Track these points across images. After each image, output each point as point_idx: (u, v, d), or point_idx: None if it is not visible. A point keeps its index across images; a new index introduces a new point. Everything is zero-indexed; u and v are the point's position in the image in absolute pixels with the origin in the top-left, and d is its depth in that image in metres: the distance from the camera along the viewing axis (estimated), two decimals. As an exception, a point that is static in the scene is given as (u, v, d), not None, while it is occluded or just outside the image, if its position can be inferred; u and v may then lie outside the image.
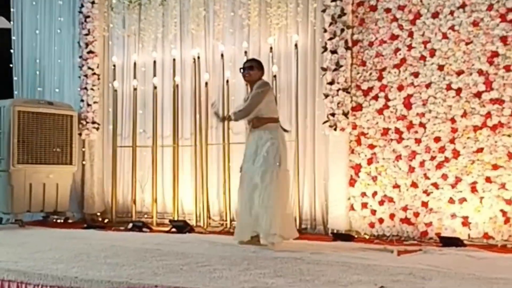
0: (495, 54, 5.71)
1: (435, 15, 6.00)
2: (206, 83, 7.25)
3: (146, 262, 4.40)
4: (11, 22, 8.68)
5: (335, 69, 6.35)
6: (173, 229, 6.70)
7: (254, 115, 5.35)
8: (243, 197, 5.31)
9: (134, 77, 7.67)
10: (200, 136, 7.27)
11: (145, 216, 7.61)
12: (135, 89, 7.61)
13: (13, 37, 8.65)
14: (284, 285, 3.65)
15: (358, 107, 6.37)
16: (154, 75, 7.56)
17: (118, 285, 3.63)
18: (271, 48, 6.85)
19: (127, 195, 7.83)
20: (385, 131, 6.22)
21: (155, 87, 7.51)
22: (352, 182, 6.35)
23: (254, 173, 5.22)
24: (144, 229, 6.84)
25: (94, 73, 7.94)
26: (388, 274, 3.92)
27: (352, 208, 6.33)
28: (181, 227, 6.69)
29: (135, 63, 7.70)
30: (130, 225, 6.98)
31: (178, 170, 7.39)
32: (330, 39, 6.39)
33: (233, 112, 5.55)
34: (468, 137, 5.80)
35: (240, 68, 5.58)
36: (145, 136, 7.80)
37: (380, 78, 6.27)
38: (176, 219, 7.20)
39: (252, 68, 5.46)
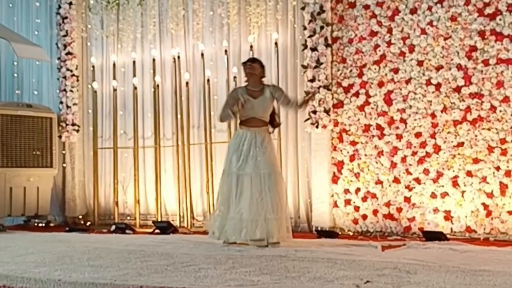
0: (474, 48, 5.77)
1: (413, 11, 6.05)
2: (187, 83, 7.22)
3: (130, 263, 4.36)
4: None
5: (315, 67, 6.37)
6: (157, 230, 6.66)
7: (256, 115, 5.33)
8: (253, 198, 5.15)
9: (114, 78, 7.61)
10: (182, 136, 7.24)
11: (128, 217, 7.56)
12: (115, 90, 7.56)
13: (-11, 40, 8.53)
14: (270, 283, 3.63)
15: (339, 104, 6.40)
16: (134, 75, 7.51)
17: (102, 287, 3.59)
18: (251, 46, 6.85)
19: (109, 197, 7.77)
20: (367, 128, 6.25)
21: (135, 88, 7.46)
22: (335, 179, 6.37)
23: (264, 175, 5.17)
24: (127, 231, 6.79)
25: (73, 75, 7.86)
26: (374, 269, 3.93)
27: (335, 205, 6.35)
28: (165, 227, 6.65)
29: (114, 64, 7.64)
30: (113, 227, 6.92)
31: (160, 171, 7.35)
32: (310, 36, 6.40)
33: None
34: (448, 132, 5.85)
35: (243, 63, 5.57)
36: (126, 138, 7.75)
37: (360, 75, 6.30)
38: (159, 220, 7.16)
39: (254, 61, 5.49)
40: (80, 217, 7.88)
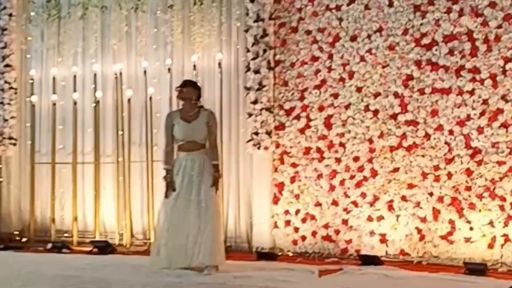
0: (410, 77, 5.95)
1: (353, 38, 6.19)
2: (129, 99, 7.15)
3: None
4: None
5: (258, 89, 6.44)
6: (95, 249, 6.56)
7: (192, 138, 5.32)
8: (186, 225, 5.18)
9: (54, 92, 7.46)
10: (122, 153, 7.16)
11: (65, 234, 7.41)
12: (54, 104, 7.41)
13: None
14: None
15: (281, 127, 6.48)
16: (75, 90, 7.39)
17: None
18: (194, 66, 6.85)
19: (46, 213, 7.60)
20: (307, 151, 6.35)
21: (75, 103, 7.34)
22: (275, 200, 6.45)
23: (201, 200, 5.19)
24: (64, 250, 6.67)
25: (11, 87, 7.66)
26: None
27: (275, 225, 6.43)
28: (103, 247, 6.57)
29: (54, 78, 7.49)
30: (49, 246, 6.79)
31: (99, 187, 7.25)
32: (253, 59, 6.47)
33: (215, 162, 5.42)
34: (385, 158, 6.01)
35: (176, 88, 5.60)
36: (65, 153, 7.60)
37: (301, 98, 6.41)
38: (97, 237, 7.06)
39: (185, 85, 5.46)
40: (16, 232, 7.68)
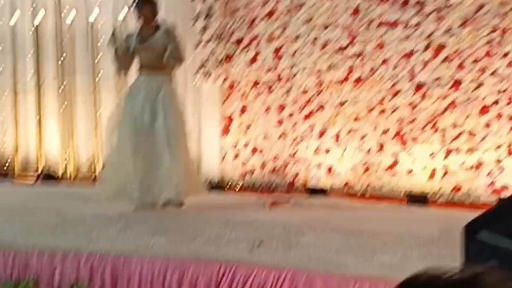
0: (357, 10, 5.92)
1: (300, -31, 6.11)
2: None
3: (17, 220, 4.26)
4: None
5: (205, 18, 6.31)
6: (39, 181, 6.47)
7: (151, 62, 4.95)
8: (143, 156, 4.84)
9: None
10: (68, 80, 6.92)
11: (6, 165, 7.23)
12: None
13: None
14: (165, 245, 3.73)
15: (229, 58, 6.42)
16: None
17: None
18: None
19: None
20: (256, 83, 6.35)
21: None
22: (224, 133, 6.46)
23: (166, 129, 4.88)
24: (7, 181, 6.54)
25: None
26: (264, 230, 4.12)
27: (224, 158, 6.47)
28: (48, 177, 6.48)
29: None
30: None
31: (41, 116, 7.04)
32: (200, -13, 6.31)
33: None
34: (332, 91, 6.08)
35: (133, 2, 5.09)
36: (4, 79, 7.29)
37: (250, 29, 6.33)
38: (41, 168, 6.93)
39: (142, 6, 5.01)
40: None
